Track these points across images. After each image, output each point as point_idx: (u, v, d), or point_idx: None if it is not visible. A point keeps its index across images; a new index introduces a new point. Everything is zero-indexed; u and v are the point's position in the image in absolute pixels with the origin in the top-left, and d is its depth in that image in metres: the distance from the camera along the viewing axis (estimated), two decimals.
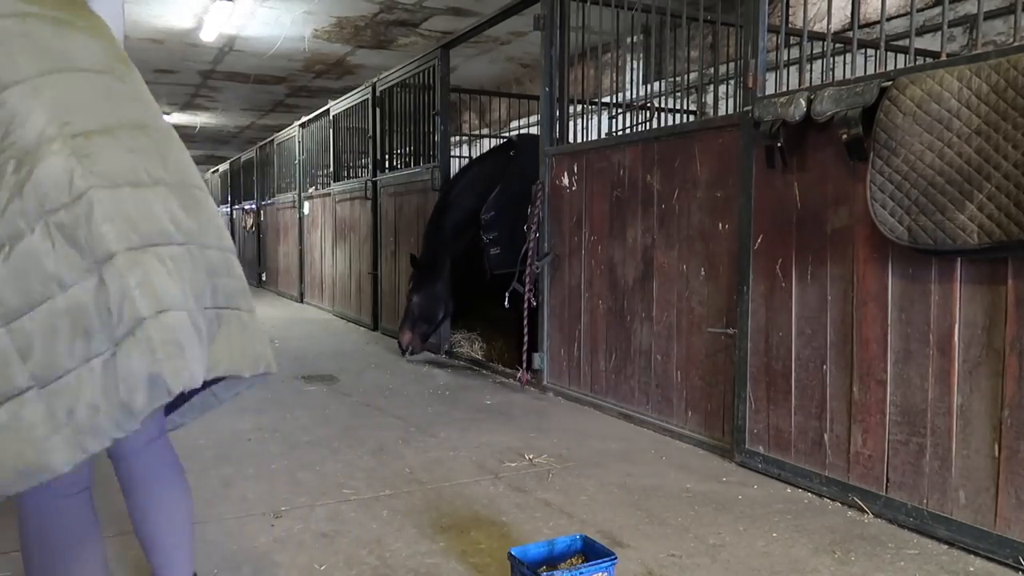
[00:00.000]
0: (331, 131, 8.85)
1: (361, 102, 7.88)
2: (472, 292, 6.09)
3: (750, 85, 3.15)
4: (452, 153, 7.28)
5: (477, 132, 10.75)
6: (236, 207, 14.64)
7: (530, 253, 4.61)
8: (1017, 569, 2.26)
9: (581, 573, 1.94)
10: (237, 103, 15.15)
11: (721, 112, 4.31)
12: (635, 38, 4.79)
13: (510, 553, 2.03)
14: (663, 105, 5.64)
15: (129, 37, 5.00)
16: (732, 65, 5.75)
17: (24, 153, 1.36)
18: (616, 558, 2.02)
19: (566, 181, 4.49)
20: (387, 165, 7.40)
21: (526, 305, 4.64)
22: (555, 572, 1.95)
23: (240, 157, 14.70)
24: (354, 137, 8.38)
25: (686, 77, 6.90)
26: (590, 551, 2.08)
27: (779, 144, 2.97)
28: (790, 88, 3.04)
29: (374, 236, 7.46)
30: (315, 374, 5.31)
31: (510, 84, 11.98)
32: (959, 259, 2.41)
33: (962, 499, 2.43)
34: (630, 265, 4.00)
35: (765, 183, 3.12)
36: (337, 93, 9.84)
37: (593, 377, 4.30)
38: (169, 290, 1.37)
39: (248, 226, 13.34)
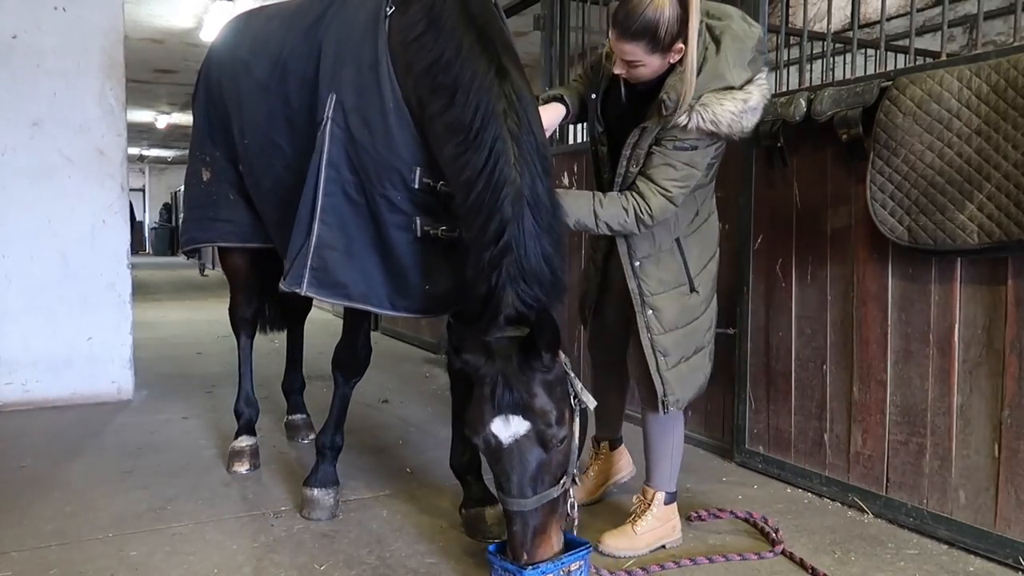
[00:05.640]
0: None
1: None
2: None
3: None
4: None
5: None
6: None
7: None
8: (1017, 569, 2.26)
9: (562, 563, 2.00)
10: None
11: None
12: None
13: (488, 551, 2.08)
14: None
15: (129, 37, 4.99)
16: None
17: None
18: (590, 546, 2.13)
19: (566, 181, 4.49)
20: None
21: None
22: (539, 565, 1.96)
23: None
24: None
25: None
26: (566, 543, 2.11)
27: (779, 144, 2.97)
28: (790, 88, 3.04)
29: None
30: (315, 374, 5.30)
31: None
32: (959, 259, 2.41)
33: (962, 499, 2.43)
34: None
35: (765, 183, 3.12)
36: None
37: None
38: None
39: None
